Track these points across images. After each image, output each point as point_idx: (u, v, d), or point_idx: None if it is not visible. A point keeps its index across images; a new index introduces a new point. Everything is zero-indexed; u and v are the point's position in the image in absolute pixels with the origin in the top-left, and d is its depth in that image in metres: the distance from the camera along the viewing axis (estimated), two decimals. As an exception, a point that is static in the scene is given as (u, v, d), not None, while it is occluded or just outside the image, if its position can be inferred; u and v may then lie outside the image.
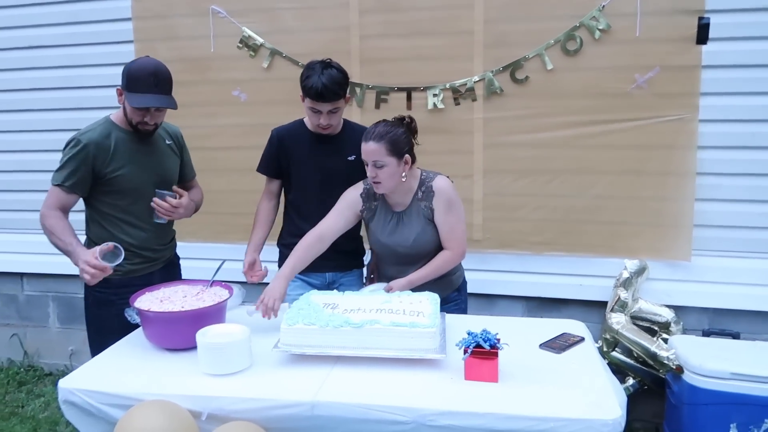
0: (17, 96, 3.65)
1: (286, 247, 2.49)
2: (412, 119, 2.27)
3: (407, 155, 2.20)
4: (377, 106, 3.14)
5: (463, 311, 2.40)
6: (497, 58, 2.99)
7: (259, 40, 3.23)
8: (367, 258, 2.69)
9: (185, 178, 2.54)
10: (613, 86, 2.88)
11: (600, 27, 2.85)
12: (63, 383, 1.79)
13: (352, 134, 2.48)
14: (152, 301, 2.05)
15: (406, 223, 2.27)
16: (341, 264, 2.56)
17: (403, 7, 3.06)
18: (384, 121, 2.23)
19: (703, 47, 2.77)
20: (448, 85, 3.06)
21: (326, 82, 2.25)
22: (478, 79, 3.03)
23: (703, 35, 2.75)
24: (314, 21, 3.16)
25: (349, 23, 3.12)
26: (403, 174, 2.20)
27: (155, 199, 2.27)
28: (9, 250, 3.80)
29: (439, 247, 2.28)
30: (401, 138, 2.18)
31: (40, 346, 3.90)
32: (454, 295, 2.36)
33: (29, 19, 3.55)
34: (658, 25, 2.80)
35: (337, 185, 2.41)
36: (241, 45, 3.25)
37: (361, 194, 2.34)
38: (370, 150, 2.15)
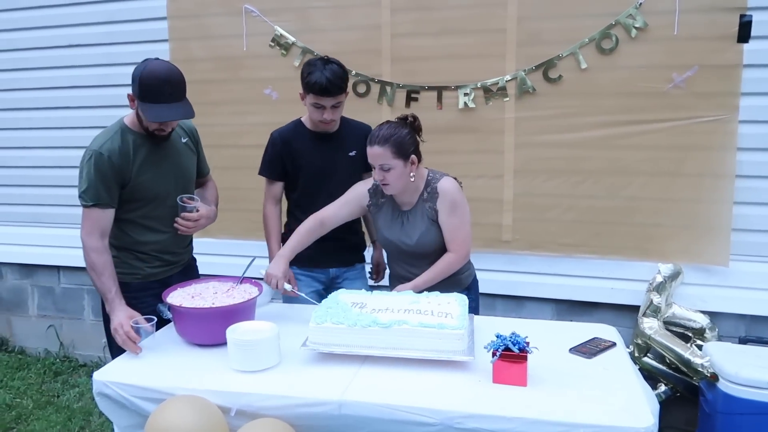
0: (56, 93, 3.75)
1: None
2: (415, 117, 2.26)
3: (413, 155, 2.20)
4: (407, 105, 3.13)
5: (474, 310, 2.37)
6: (530, 57, 2.96)
7: (291, 38, 3.25)
8: (368, 252, 2.73)
9: (200, 174, 2.50)
10: (650, 86, 2.82)
11: (637, 25, 2.79)
12: (97, 375, 1.83)
13: (351, 130, 2.55)
14: (184, 297, 2.08)
15: (411, 222, 2.27)
16: (344, 259, 2.60)
17: (434, 5, 3.04)
18: (388, 122, 2.23)
19: (745, 45, 2.69)
20: (479, 84, 3.03)
21: (330, 77, 2.31)
22: (510, 78, 2.99)
23: (744, 33, 2.67)
24: (345, 20, 3.17)
25: (380, 22, 3.11)
26: (411, 174, 2.21)
27: (177, 219, 2.25)
28: (46, 244, 3.91)
29: (444, 247, 2.27)
30: (406, 139, 2.17)
31: (75, 338, 4.01)
32: (464, 294, 2.34)
33: (68, 18, 3.64)
34: (697, 23, 2.73)
35: (341, 181, 2.46)
36: (273, 44, 3.28)
37: (369, 189, 2.36)
38: (376, 154, 2.15)
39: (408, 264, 2.33)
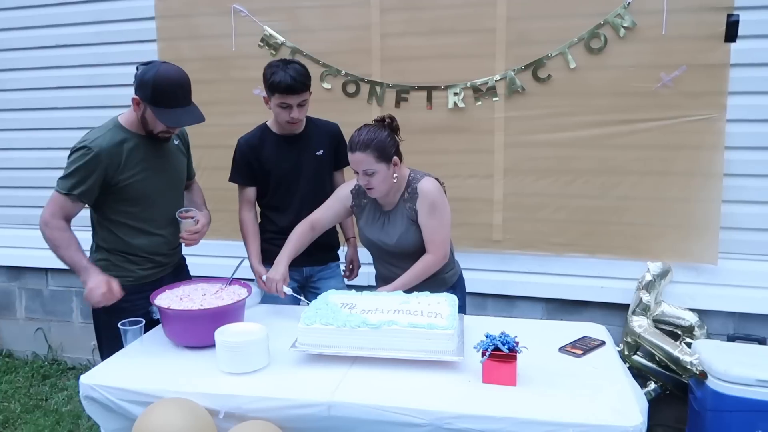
0: (44, 94, 3.71)
1: (267, 242, 2.56)
2: (392, 118, 2.26)
3: (395, 157, 2.20)
4: (397, 105, 3.12)
5: (461, 309, 2.36)
6: (519, 57, 2.96)
7: (280, 38, 3.24)
8: (342, 251, 2.73)
9: (188, 177, 2.49)
10: (638, 85, 2.83)
11: (625, 24, 2.80)
12: (84, 379, 1.81)
13: (316, 129, 2.57)
14: (172, 298, 2.07)
15: (392, 222, 2.28)
16: (317, 259, 2.60)
17: (424, 5, 3.04)
18: (366, 126, 2.21)
19: (732, 45, 2.70)
20: (469, 84, 3.03)
21: (294, 75, 2.33)
22: (499, 78, 2.99)
23: (731, 32, 2.68)
24: (335, 19, 3.16)
25: (370, 22, 3.11)
26: (394, 175, 2.22)
27: (182, 235, 2.27)
28: (34, 246, 3.86)
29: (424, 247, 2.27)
30: (387, 142, 2.17)
31: (64, 341, 3.97)
32: (449, 292, 2.34)
33: (55, 18, 3.61)
34: (685, 23, 2.74)
35: (309, 181, 2.51)
36: (262, 44, 3.26)
37: (351, 190, 2.37)
38: (359, 160, 2.16)
39: (390, 264, 2.34)
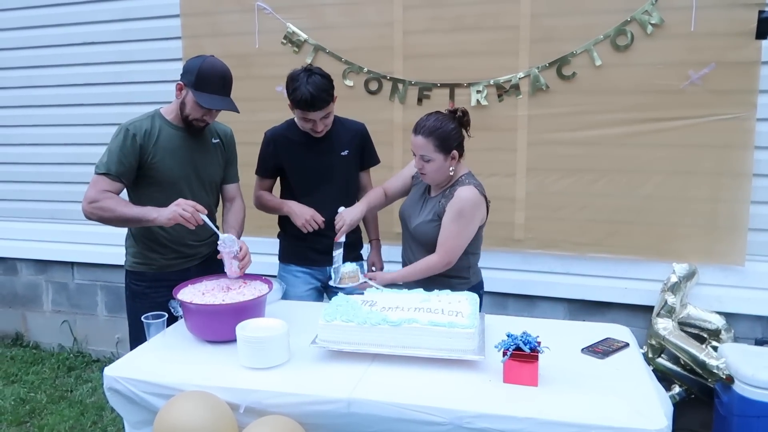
0: (71, 91, 3.78)
1: (286, 240, 2.60)
2: (465, 113, 2.25)
3: (455, 151, 2.20)
4: (419, 102, 3.11)
5: None
6: (543, 54, 2.93)
7: (303, 36, 3.25)
8: (365, 251, 2.74)
9: (228, 180, 2.52)
10: (665, 83, 2.78)
11: (652, 21, 2.75)
12: (108, 371, 1.83)
13: (343, 130, 2.55)
14: (194, 293, 2.08)
15: (424, 207, 2.31)
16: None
17: (447, 2, 3.02)
18: (437, 113, 2.22)
19: (763, 42, 2.64)
20: (492, 82, 3.01)
21: (313, 91, 2.29)
22: (523, 75, 2.96)
23: (763, 29, 2.61)
24: (358, 17, 3.16)
25: (392, 19, 3.10)
26: (451, 168, 2.23)
27: (241, 266, 2.18)
28: (61, 240, 3.94)
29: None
30: (451, 134, 2.18)
31: (89, 333, 4.04)
32: None
33: (82, 16, 3.67)
34: (714, 19, 2.68)
35: (334, 181, 2.49)
36: (285, 41, 3.28)
37: None
38: (418, 144, 2.18)
39: (407, 243, 2.39)
